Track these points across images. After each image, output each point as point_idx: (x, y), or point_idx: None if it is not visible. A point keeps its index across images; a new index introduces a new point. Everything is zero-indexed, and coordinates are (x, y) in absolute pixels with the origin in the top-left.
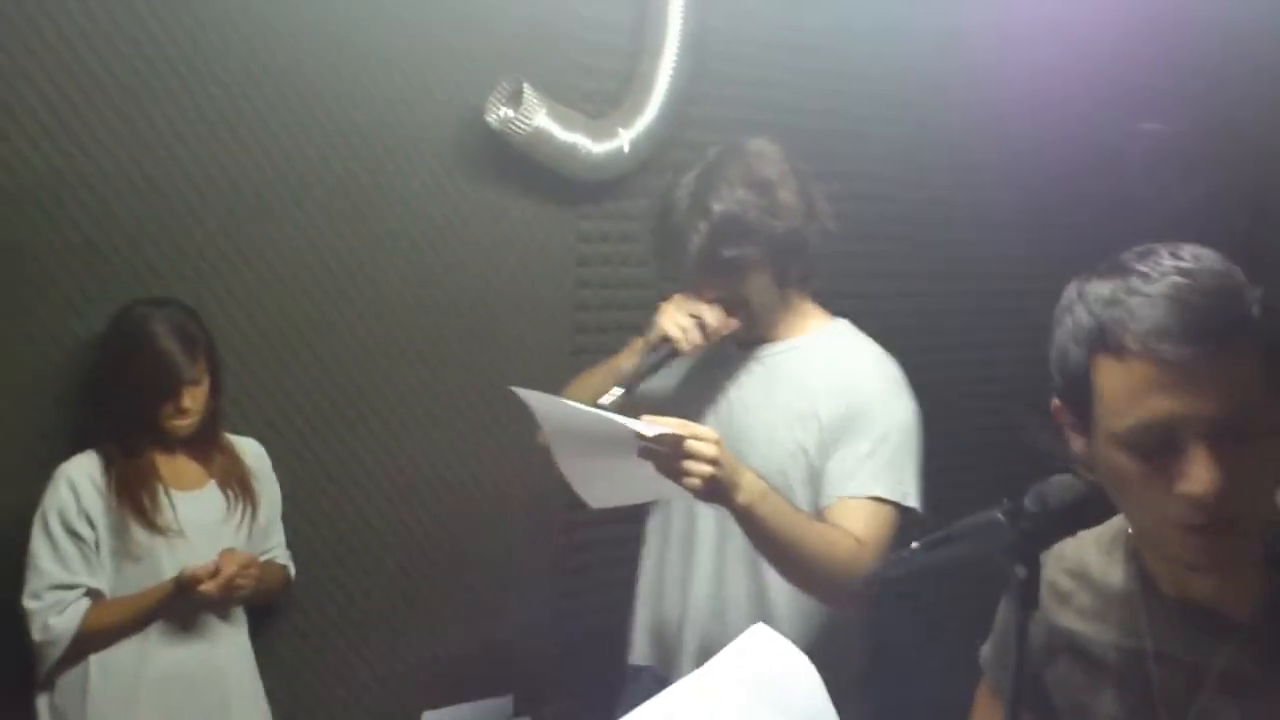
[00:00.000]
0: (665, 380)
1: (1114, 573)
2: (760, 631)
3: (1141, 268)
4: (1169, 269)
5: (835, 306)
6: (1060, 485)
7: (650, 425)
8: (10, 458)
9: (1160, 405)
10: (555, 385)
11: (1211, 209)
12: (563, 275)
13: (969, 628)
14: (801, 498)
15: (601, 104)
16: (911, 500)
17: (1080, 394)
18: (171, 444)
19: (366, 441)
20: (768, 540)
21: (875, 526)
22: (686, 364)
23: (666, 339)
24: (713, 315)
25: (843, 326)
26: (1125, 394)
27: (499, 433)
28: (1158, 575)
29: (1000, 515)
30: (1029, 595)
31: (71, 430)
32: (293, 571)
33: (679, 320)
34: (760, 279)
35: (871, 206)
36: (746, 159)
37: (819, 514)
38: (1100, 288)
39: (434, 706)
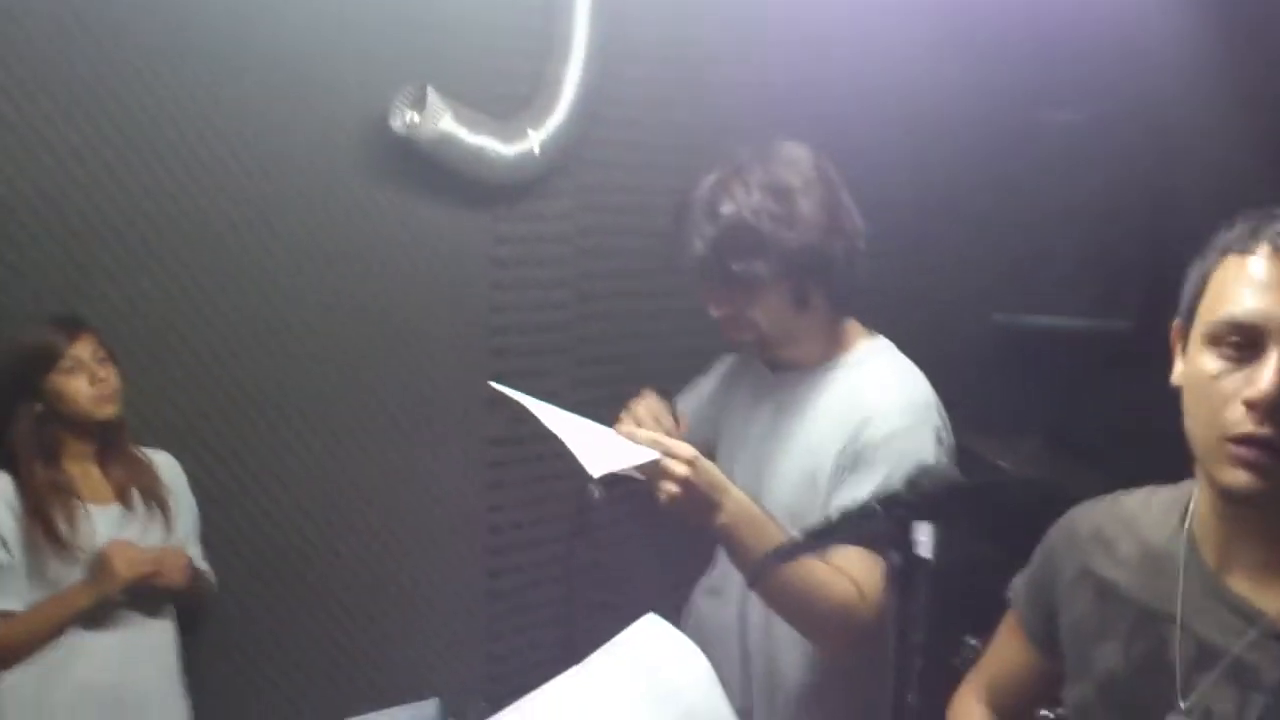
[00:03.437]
0: (696, 401)
1: (1163, 533)
2: (650, 621)
3: None
4: None
5: None
6: (933, 472)
7: (626, 446)
8: None
9: (1254, 301)
10: (474, 388)
11: (1113, 198)
12: (479, 278)
13: None
14: None
15: (512, 106)
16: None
17: (1193, 301)
18: (87, 448)
19: (282, 452)
20: (749, 568)
21: (875, 574)
22: (719, 383)
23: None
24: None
25: (880, 347)
26: (1231, 287)
27: (419, 438)
28: (1204, 546)
29: (875, 504)
30: (906, 581)
31: None
32: (213, 580)
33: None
34: (773, 299)
35: None
36: (771, 162)
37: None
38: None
39: (357, 713)
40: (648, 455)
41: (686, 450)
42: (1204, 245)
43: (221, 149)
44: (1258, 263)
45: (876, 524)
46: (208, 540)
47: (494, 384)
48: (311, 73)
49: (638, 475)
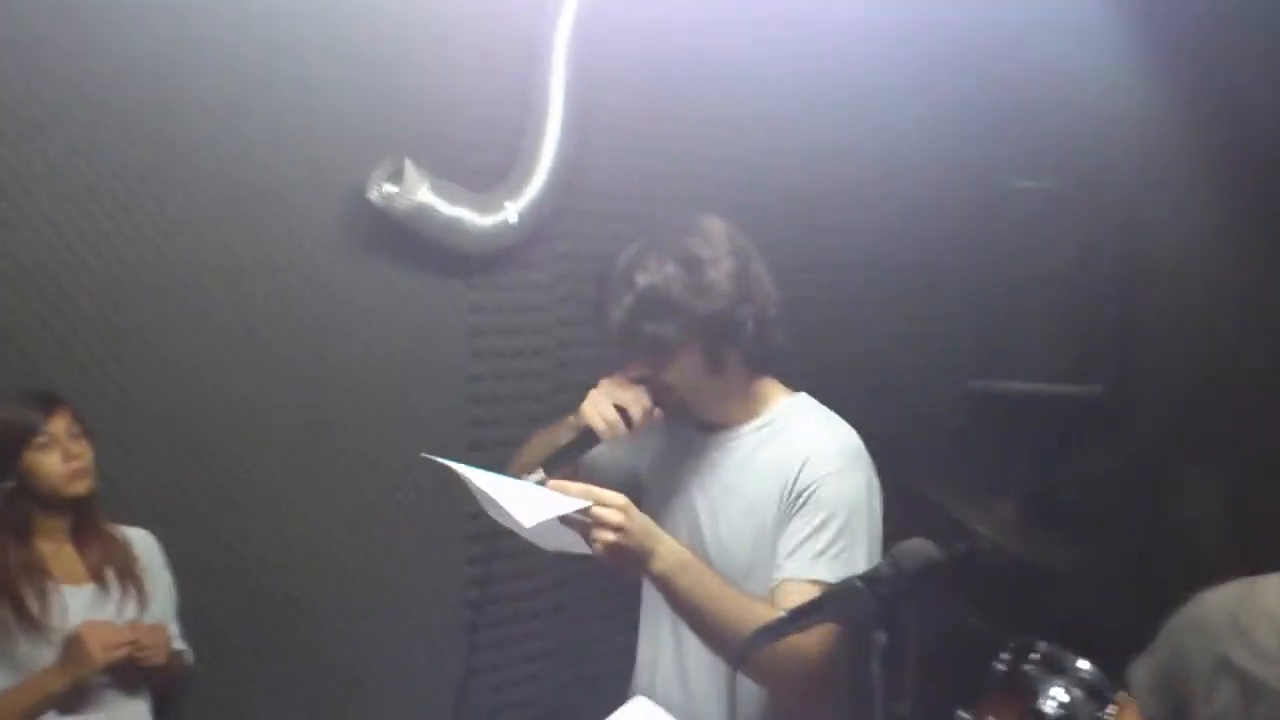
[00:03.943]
0: (634, 460)
1: None
2: (640, 704)
3: None
4: None
5: None
6: (913, 550)
7: (558, 496)
8: None
9: None
10: (453, 456)
11: (1085, 264)
12: (456, 347)
13: None
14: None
15: (489, 178)
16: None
17: None
18: (60, 526)
19: (258, 523)
20: (690, 615)
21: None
22: (654, 445)
23: (589, 429)
24: (637, 406)
25: (801, 402)
26: None
27: (396, 507)
28: None
29: (859, 582)
30: (890, 660)
31: None
32: (190, 659)
33: (603, 410)
34: (687, 361)
35: None
36: (684, 235)
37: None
38: None
39: None
40: (579, 504)
41: (618, 499)
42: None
43: (199, 220)
44: None
45: (861, 602)
46: (185, 616)
47: (426, 455)
48: (290, 143)
49: (580, 519)
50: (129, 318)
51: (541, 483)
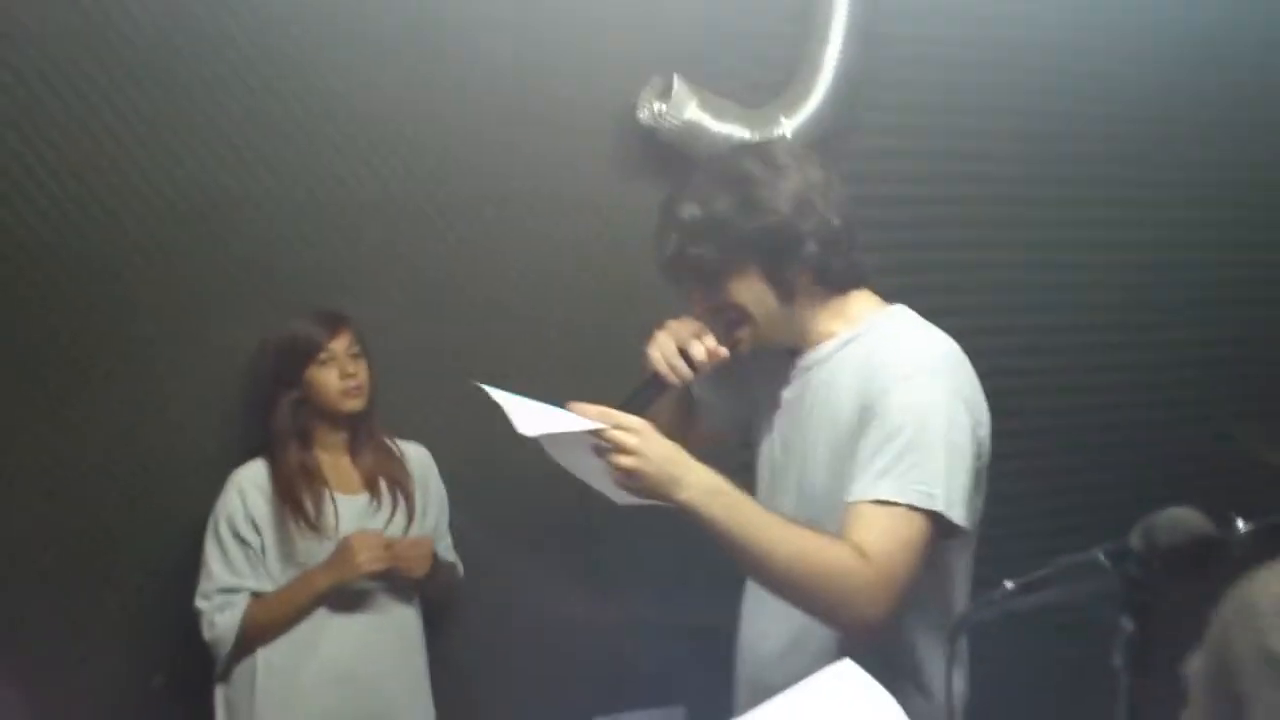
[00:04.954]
0: (738, 400)
1: None
2: (845, 667)
3: None
4: None
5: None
6: (1173, 520)
7: (569, 416)
8: (194, 464)
9: None
10: None
11: None
12: None
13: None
14: None
15: (767, 93)
16: (938, 504)
17: None
18: (338, 438)
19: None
20: (731, 548)
21: (883, 537)
22: (760, 381)
23: (655, 373)
24: (699, 347)
25: (892, 314)
26: None
27: None
28: None
29: (1102, 556)
30: (1139, 655)
31: (247, 438)
32: (461, 571)
33: (665, 352)
34: (748, 284)
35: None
36: (741, 155)
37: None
38: None
39: (605, 713)
40: (588, 425)
41: (636, 422)
42: None
43: (482, 149)
44: None
45: (1102, 580)
46: (460, 531)
47: (477, 384)
48: (566, 70)
49: (598, 443)
50: (409, 245)
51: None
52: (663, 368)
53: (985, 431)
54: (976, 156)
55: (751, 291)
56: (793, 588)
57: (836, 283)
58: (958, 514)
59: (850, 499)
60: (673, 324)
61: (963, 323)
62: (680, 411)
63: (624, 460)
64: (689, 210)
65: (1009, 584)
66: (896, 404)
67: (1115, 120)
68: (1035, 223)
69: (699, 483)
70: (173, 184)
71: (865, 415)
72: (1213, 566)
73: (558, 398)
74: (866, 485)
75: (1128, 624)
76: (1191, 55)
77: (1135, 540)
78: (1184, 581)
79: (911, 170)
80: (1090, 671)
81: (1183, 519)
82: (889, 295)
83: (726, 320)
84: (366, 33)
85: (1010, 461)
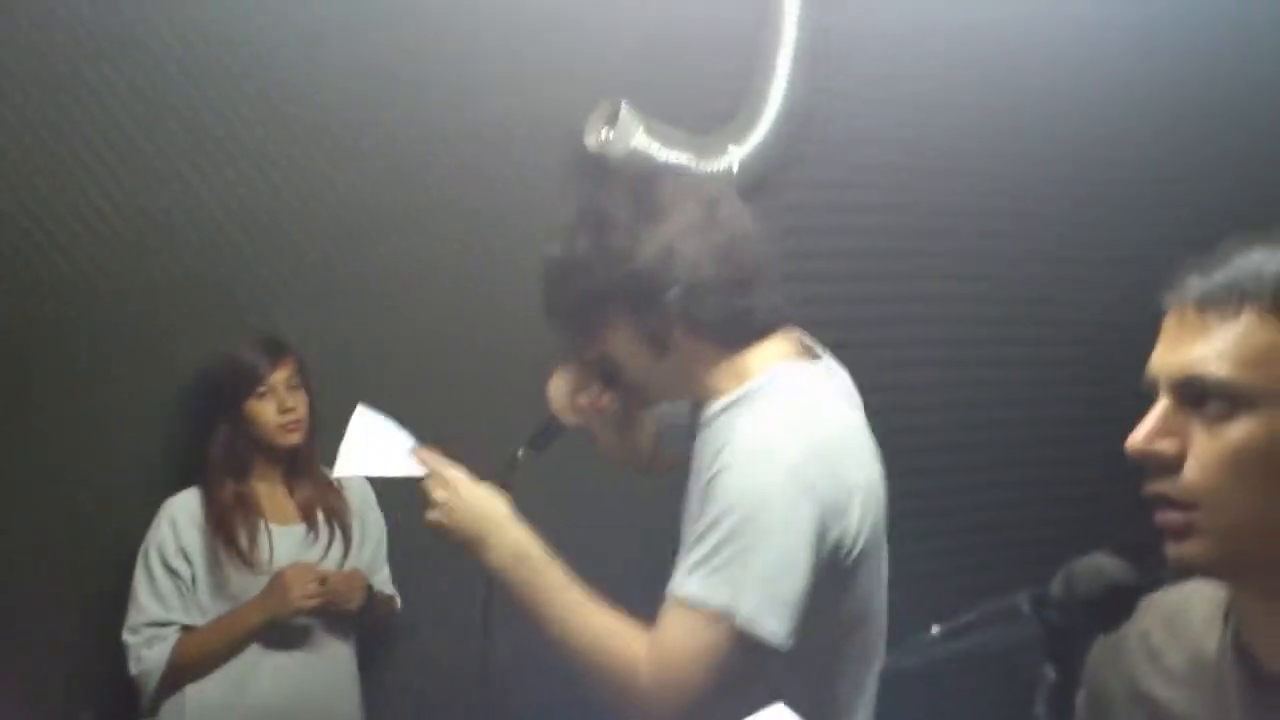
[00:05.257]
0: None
1: (1211, 636)
2: (778, 712)
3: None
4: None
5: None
6: (1092, 567)
7: (398, 458)
8: (126, 492)
9: (1154, 356)
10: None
11: None
12: None
13: None
14: None
15: (715, 122)
16: (739, 617)
17: None
18: (275, 470)
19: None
20: (527, 617)
21: (679, 641)
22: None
23: (553, 414)
24: (581, 393)
25: (789, 371)
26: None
27: None
28: (1255, 645)
29: (1025, 604)
30: (1062, 703)
31: (184, 466)
32: (399, 604)
33: (559, 394)
34: (619, 334)
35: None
36: (608, 191)
37: None
38: None
39: None
40: (408, 470)
41: (452, 475)
42: None
43: (425, 172)
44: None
45: (1022, 627)
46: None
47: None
48: (514, 96)
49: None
50: (348, 263)
51: (523, 459)
52: (554, 407)
53: (852, 522)
54: (921, 189)
55: (623, 343)
56: (582, 672)
57: (718, 336)
58: (768, 627)
59: (668, 588)
60: (563, 366)
61: (902, 354)
62: (648, 436)
63: (430, 513)
64: (550, 249)
65: (935, 629)
66: (727, 486)
67: (1062, 161)
68: (980, 255)
69: (503, 545)
70: (111, 204)
71: (706, 491)
72: (1122, 612)
73: (501, 421)
74: (680, 577)
75: (1050, 672)
76: (1157, 99)
77: (1056, 587)
78: (1105, 629)
79: (859, 200)
80: None
81: (1103, 567)
82: (818, 328)
83: (602, 372)
84: (313, 53)
85: (942, 499)
